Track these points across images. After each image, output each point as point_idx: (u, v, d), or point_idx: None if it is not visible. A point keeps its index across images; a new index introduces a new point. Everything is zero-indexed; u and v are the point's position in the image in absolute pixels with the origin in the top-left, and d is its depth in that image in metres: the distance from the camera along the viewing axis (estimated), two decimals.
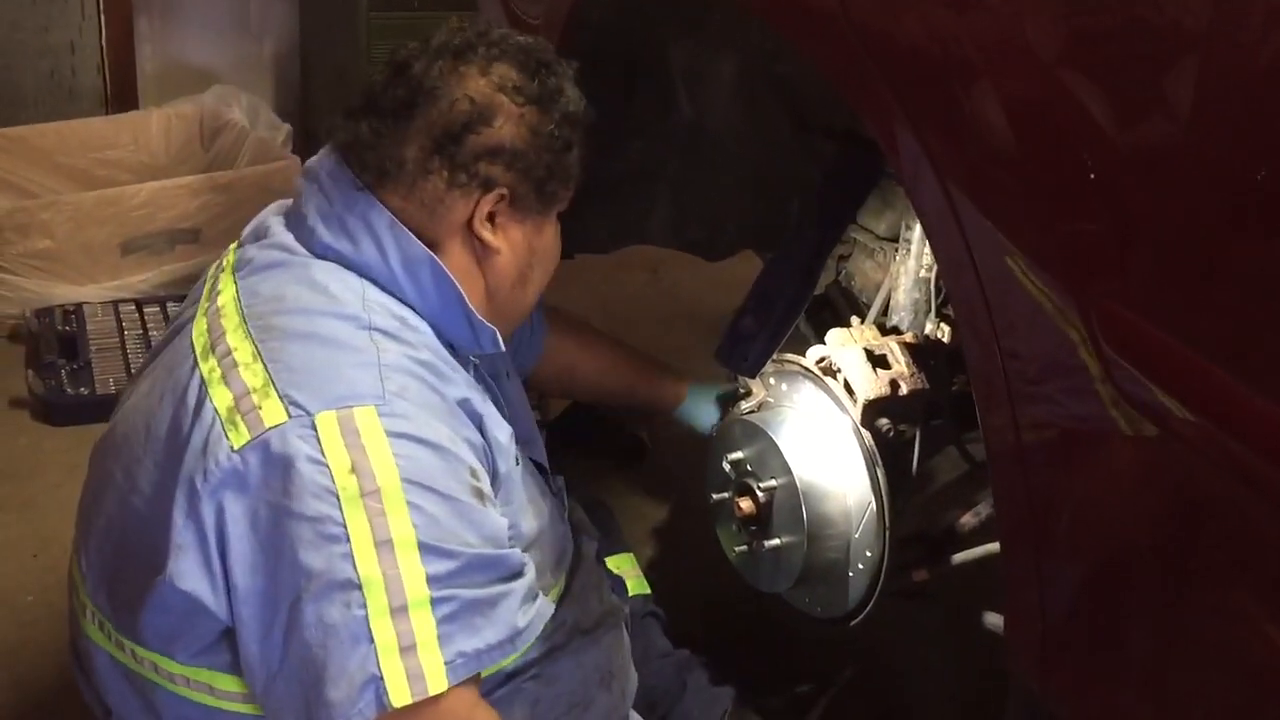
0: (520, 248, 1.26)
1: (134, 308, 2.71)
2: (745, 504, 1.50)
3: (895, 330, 1.53)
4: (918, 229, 1.45)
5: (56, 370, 2.46)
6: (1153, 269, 0.86)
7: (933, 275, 1.47)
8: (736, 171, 1.81)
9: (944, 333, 1.48)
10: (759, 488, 1.48)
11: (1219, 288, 0.82)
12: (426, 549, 1.07)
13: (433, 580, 1.07)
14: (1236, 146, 0.79)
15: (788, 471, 1.44)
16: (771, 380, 1.55)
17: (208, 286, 1.27)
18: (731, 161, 1.80)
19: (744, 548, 1.52)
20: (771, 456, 1.47)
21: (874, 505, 1.41)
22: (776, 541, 1.47)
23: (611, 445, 2.35)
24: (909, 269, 1.51)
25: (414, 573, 1.06)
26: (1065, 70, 0.89)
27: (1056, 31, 0.89)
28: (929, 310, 1.51)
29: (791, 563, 1.46)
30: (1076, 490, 0.96)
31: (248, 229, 1.31)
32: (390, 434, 1.08)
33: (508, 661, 1.23)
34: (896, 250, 1.53)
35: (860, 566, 1.44)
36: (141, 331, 2.63)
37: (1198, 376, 0.83)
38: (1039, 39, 0.90)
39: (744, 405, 1.56)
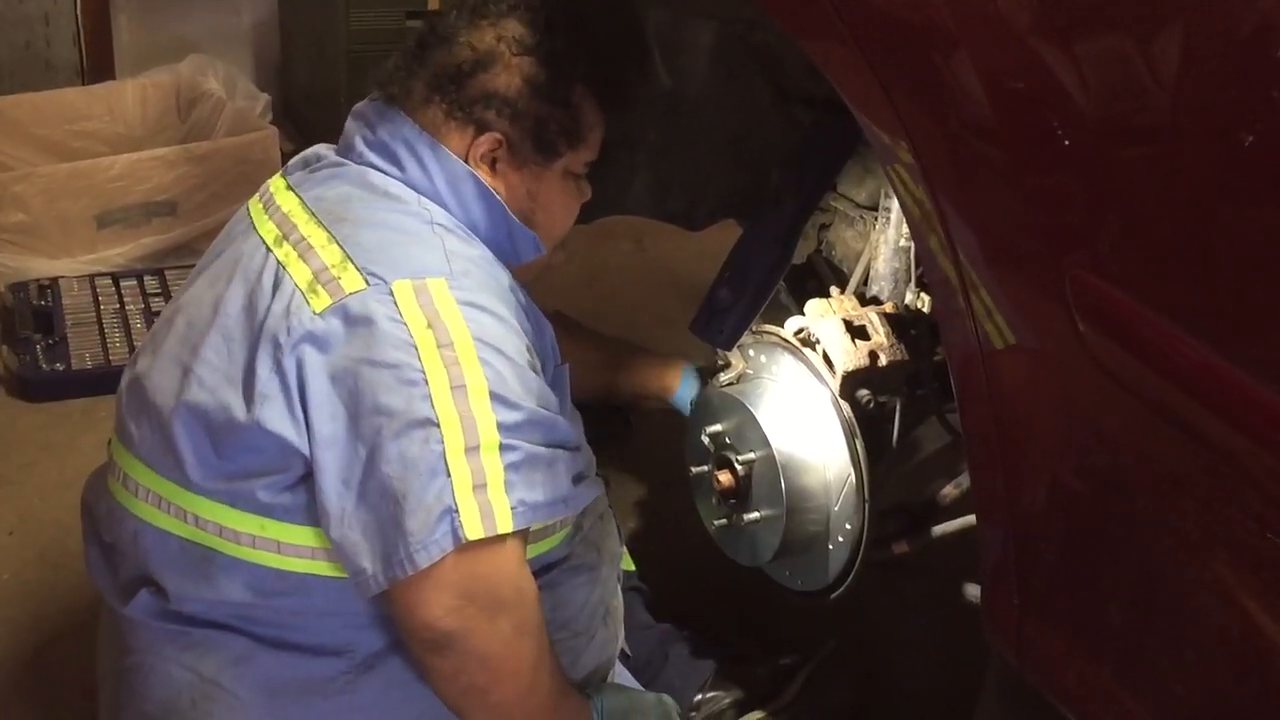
0: (518, 191, 1.36)
1: (110, 282, 2.68)
2: (724, 477, 1.48)
3: (875, 300, 1.52)
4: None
5: (32, 346, 2.44)
6: (1129, 239, 0.84)
7: (912, 244, 1.46)
8: (716, 141, 1.78)
9: (924, 303, 1.47)
10: (737, 461, 1.46)
11: (1195, 258, 0.81)
12: (496, 398, 1.16)
13: (502, 427, 1.16)
14: (1211, 114, 0.77)
15: (766, 444, 1.42)
16: (750, 352, 1.53)
17: (256, 209, 1.34)
18: (711, 131, 1.77)
19: (723, 521, 1.51)
20: (750, 429, 1.45)
21: (853, 477, 1.40)
22: (755, 515, 1.45)
23: (597, 425, 2.33)
24: (889, 238, 1.49)
25: (486, 417, 1.15)
26: (1038, 37, 0.87)
27: None
28: (909, 280, 1.49)
29: (770, 536, 1.45)
30: (1050, 462, 0.95)
31: (293, 161, 1.41)
32: (460, 301, 1.19)
33: (555, 541, 1.34)
34: (876, 219, 1.51)
35: (840, 539, 1.43)
36: (118, 306, 2.61)
37: (1174, 347, 0.82)
38: (1013, 2, 0.88)
39: (722, 377, 1.54)
